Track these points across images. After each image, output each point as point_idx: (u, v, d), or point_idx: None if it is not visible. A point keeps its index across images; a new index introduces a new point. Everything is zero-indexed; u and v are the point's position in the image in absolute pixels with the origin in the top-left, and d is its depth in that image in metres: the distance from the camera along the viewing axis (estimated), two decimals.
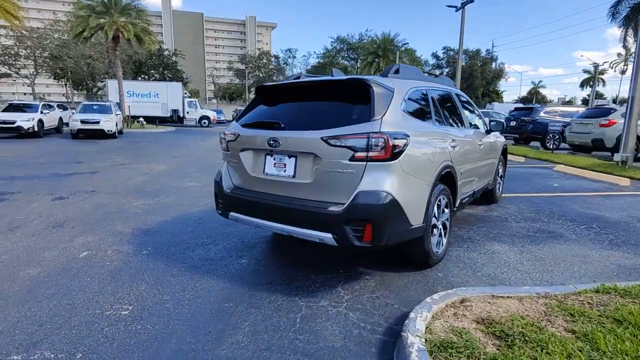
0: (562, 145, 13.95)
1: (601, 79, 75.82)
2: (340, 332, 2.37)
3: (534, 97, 75.78)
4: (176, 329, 2.40)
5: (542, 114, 14.22)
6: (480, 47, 64.15)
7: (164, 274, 3.21)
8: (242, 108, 34.58)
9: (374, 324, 2.47)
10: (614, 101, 63.69)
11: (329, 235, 2.64)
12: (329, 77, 3.24)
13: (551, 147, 13.85)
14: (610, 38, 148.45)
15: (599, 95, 78.67)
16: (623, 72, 70.52)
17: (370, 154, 2.56)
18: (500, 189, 5.95)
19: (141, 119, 24.72)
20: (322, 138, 2.67)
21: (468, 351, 1.91)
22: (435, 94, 3.71)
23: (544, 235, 4.30)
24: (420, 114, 3.23)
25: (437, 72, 59.04)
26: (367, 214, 2.54)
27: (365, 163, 2.58)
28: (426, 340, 2.03)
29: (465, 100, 4.69)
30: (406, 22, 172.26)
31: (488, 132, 4.95)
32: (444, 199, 3.31)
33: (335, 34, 75.29)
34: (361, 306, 2.70)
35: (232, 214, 3.26)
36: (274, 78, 55.05)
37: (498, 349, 1.95)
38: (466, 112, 4.45)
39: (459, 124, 4.07)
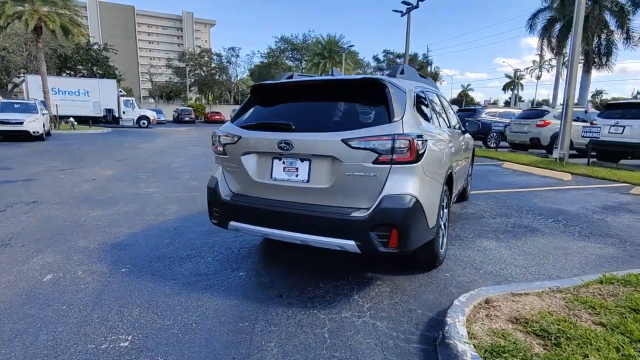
0: (502, 143, 15.13)
1: (520, 83, 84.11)
2: (376, 344, 2.25)
3: (463, 99, 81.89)
4: (195, 359, 2.11)
5: (483, 115, 15.31)
6: (417, 52, 67.60)
7: (156, 294, 2.85)
8: (184, 107, 33.10)
9: (406, 332, 2.38)
10: (532, 103, 70.92)
11: (352, 243, 2.51)
12: (341, 77, 3.10)
13: (493, 145, 14.96)
14: (524, 47, 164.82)
15: (518, 98, 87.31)
16: (538, 77, 78.72)
17: (395, 156, 2.47)
18: (469, 187, 6.23)
19: (71, 119, 22.40)
20: (342, 140, 2.53)
21: (521, 354, 1.90)
22: (430, 95, 3.74)
23: (521, 229, 4.54)
24: (424, 115, 3.21)
25: (379, 74, 61.28)
26: (394, 218, 2.45)
27: (389, 166, 2.48)
28: (475, 346, 1.98)
29: (448, 101, 4.81)
30: (347, 24, 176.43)
31: (464, 132, 5.13)
32: (445, 199, 3.34)
33: (279, 34, 74.76)
34: (385, 314, 2.60)
35: (232, 223, 2.98)
36: (217, 77, 53.10)
37: (546, 349, 1.96)
38: (451, 113, 4.57)
39: (449, 125, 4.15)
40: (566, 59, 34.15)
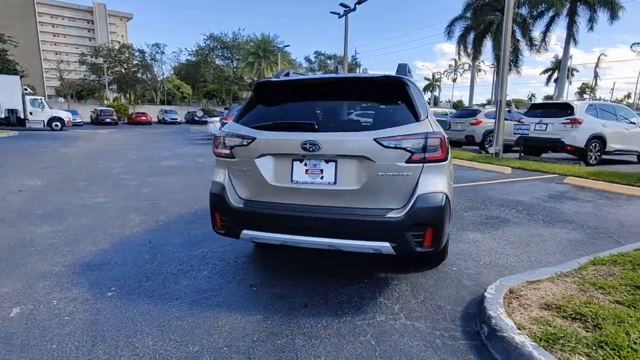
0: None
1: (438, 85, 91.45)
2: (425, 345, 2.22)
3: None
4: None
5: None
6: (348, 54, 69.61)
7: (165, 318, 2.50)
8: (104, 108, 30.34)
9: (447, 329, 2.39)
10: (449, 103, 77.36)
11: (387, 244, 2.45)
12: (359, 75, 3.01)
13: None
14: (438, 52, 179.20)
15: (437, 99, 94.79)
16: (454, 80, 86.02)
17: (427, 155, 2.46)
18: None
19: None
20: (375, 139, 2.45)
21: (573, 339, 2.00)
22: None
23: (495, 221, 4.88)
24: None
25: (311, 74, 61.93)
26: (429, 217, 2.44)
27: (422, 165, 2.47)
28: (529, 336, 2.05)
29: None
30: (275, 24, 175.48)
31: None
32: None
33: (206, 31, 71.55)
34: (418, 313, 2.58)
35: (245, 232, 2.73)
36: (140, 75, 49.18)
37: (589, 332, 2.10)
38: None
39: None
40: (477, 63, 37.62)
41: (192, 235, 4.20)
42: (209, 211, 2.97)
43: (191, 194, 6.32)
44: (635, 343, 1.94)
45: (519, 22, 30.18)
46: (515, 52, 30.25)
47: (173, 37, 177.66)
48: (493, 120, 11.62)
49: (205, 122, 35.91)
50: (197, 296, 2.82)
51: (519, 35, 30.14)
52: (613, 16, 28.06)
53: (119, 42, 56.08)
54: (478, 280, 3.08)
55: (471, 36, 33.03)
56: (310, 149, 2.53)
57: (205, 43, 49.64)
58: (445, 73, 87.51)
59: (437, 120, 5.29)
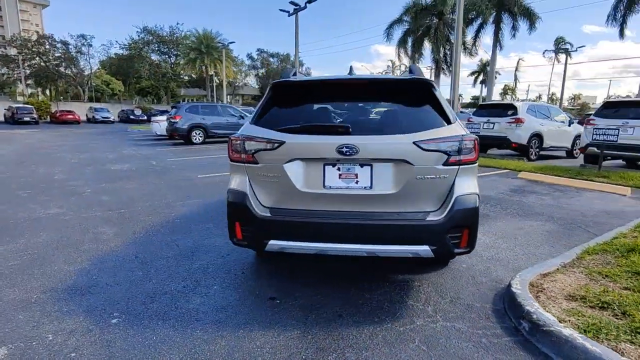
0: None
1: None
2: (475, 346, 2.25)
3: None
4: None
5: None
6: (289, 52, 69.36)
7: (193, 344, 2.25)
8: (21, 105, 27.39)
9: (486, 327, 2.44)
10: None
11: (426, 248, 2.43)
12: (386, 76, 2.93)
13: None
14: (374, 53, 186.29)
15: None
16: None
17: (462, 157, 2.48)
18: None
19: None
20: (414, 143, 2.42)
21: (614, 327, 2.15)
22: None
23: None
24: None
25: (254, 72, 60.81)
26: (467, 219, 2.47)
27: (458, 167, 2.49)
28: (574, 328, 2.16)
29: None
30: (220, 20, 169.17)
31: None
32: None
33: (140, 24, 66.63)
34: (453, 314, 2.61)
35: (273, 243, 2.55)
36: (63, 69, 44.43)
37: (620, 319, 2.26)
38: None
39: None
40: (417, 64, 39.83)
41: (182, 246, 3.86)
42: (228, 221, 2.73)
43: (160, 200, 5.83)
44: None
45: (453, 27, 32.35)
46: (451, 54, 32.31)
47: (101, 29, 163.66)
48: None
49: (145, 121, 33.54)
50: (219, 315, 2.58)
51: (453, 40, 32.25)
52: (531, 26, 31.05)
53: (38, 33, 50.24)
54: (490, 276, 3.20)
55: (411, 39, 34.55)
56: (347, 153, 2.43)
57: (139, 36, 46.33)
58: (384, 73, 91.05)
59: None
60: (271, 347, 2.23)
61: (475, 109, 12.71)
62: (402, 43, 36.00)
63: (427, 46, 32.98)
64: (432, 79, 33.53)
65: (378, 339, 2.31)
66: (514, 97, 67.39)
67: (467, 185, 2.53)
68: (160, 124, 18.15)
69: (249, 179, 2.66)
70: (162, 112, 31.88)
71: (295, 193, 2.56)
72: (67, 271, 3.25)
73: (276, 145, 2.54)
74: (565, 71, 51.64)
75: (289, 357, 2.14)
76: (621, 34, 28.32)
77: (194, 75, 49.37)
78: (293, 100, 2.83)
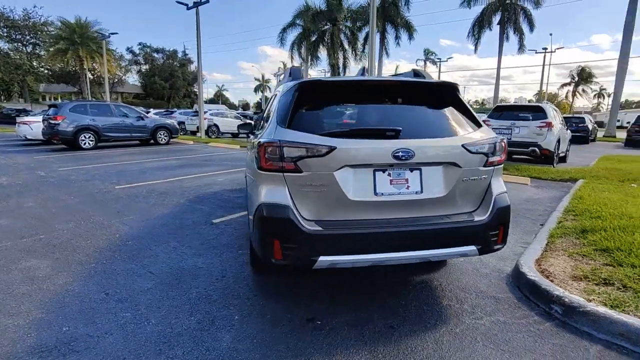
0: None
1: (268, 86, 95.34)
2: (529, 335, 2.38)
3: (219, 99, 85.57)
4: None
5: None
6: (176, 48, 64.84)
7: None
8: None
9: (524, 316, 2.61)
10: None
11: (473, 248, 2.48)
12: (415, 79, 2.84)
13: None
14: (261, 54, 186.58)
15: (267, 99, 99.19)
16: None
17: (496, 158, 2.60)
18: None
19: None
20: (462, 145, 2.44)
21: (630, 298, 2.51)
22: None
23: None
24: None
25: (136, 68, 54.88)
26: (505, 216, 2.59)
27: (493, 168, 2.60)
28: (604, 305, 2.46)
29: None
30: (86, 6, 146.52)
31: None
32: None
33: None
34: (489, 308, 2.72)
35: (323, 259, 2.29)
36: None
37: (626, 292, 2.65)
38: None
39: None
40: (307, 67, 40.72)
41: (159, 274, 3.23)
42: (261, 239, 2.37)
43: (87, 219, 4.79)
44: None
45: (346, 34, 34.35)
46: (345, 60, 34.26)
47: None
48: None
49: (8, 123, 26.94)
50: (264, 349, 2.22)
51: (347, 46, 34.24)
52: (410, 36, 34.78)
53: None
54: (489, 267, 3.44)
55: (305, 43, 35.42)
56: (403, 158, 2.33)
57: None
58: (276, 75, 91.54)
59: None
60: None
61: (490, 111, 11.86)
62: (298, 47, 36.87)
63: (323, 51, 34.25)
64: None
65: (446, 345, 2.27)
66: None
67: (500, 185, 2.67)
68: (31, 126, 15.03)
69: (287, 189, 2.34)
70: (22, 112, 26.43)
71: (345, 203, 2.35)
72: (16, 328, 2.41)
73: (326, 151, 2.28)
74: (439, 77, 59.47)
75: None
76: (475, 49, 33.92)
77: (57, 69, 42.06)
78: (322, 101, 2.60)
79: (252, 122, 5.37)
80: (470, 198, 2.57)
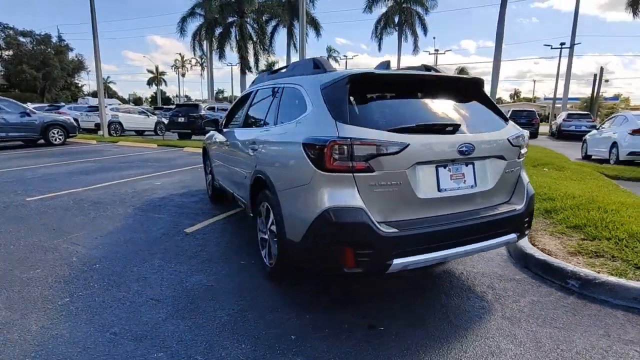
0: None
1: (163, 79, 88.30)
2: (564, 312, 2.60)
3: (106, 92, 76.45)
4: None
5: (207, 110, 15.55)
6: (50, 32, 55.64)
7: None
8: None
9: (550, 294, 2.85)
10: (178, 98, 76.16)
11: (514, 236, 2.63)
12: (451, 74, 2.80)
13: None
14: (151, 43, 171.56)
15: (163, 93, 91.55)
16: (184, 74, 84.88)
17: (525, 150, 2.78)
18: None
19: None
20: (507, 139, 2.54)
21: (627, 267, 2.93)
22: None
23: None
24: None
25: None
26: (533, 204, 2.79)
27: (521, 160, 2.77)
28: (612, 275, 2.83)
29: None
30: None
31: None
32: None
33: None
34: (518, 289, 2.91)
35: (397, 261, 2.17)
36: None
37: (617, 261, 3.09)
38: None
39: None
40: (204, 60, 38.61)
41: (163, 299, 2.72)
42: (330, 247, 2.14)
43: (4, 239, 3.80)
44: None
45: (255, 27, 33.44)
46: (256, 54, 33.41)
47: None
48: None
49: None
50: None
51: (256, 39, 33.40)
52: (318, 33, 35.57)
53: None
54: (491, 252, 3.68)
55: (208, 33, 33.49)
56: (466, 152, 2.33)
57: None
58: (173, 68, 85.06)
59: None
60: None
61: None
62: (204, 36, 34.89)
63: (230, 43, 32.73)
64: (239, 76, 33.72)
65: (509, 331, 2.36)
66: None
67: (526, 175, 2.87)
68: None
69: (357, 191, 2.15)
70: None
71: (412, 201, 2.26)
72: None
73: (399, 148, 2.16)
74: None
75: None
76: (379, 48, 36.33)
77: None
78: (376, 95, 2.45)
79: (219, 120, 4.88)
80: (509, 189, 2.71)
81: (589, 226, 3.78)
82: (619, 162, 9.63)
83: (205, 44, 35.29)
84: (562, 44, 32.69)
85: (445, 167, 2.39)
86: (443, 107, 2.61)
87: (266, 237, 3.03)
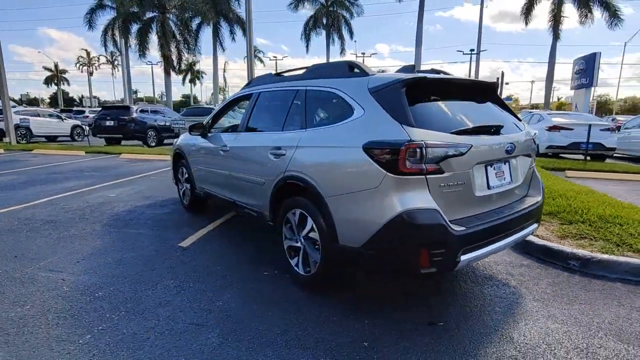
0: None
1: (65, 78, 78.94)
2: (580, 289, 2.96)
3: None
4: None
5: (139, 113, 14.25)
6: None
7: None
8: None
9: (559, 275, 3.21)
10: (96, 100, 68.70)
11: (536, 225, 2.91)
12: (477, 79, 2.92)
13: (153, 144, 14.49)
14: (43, 37, 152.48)
15: (66, 94, 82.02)
16: (91, 73, 76.42)
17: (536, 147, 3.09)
18: None
19: None
20: (532, 138, 2.79)
21: (614, 245, 3.41)
22: None
23: None
24: None
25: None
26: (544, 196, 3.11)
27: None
28: (603, 253, 3.27)
29: None
30: None
31: None
32: None
33: None
34: (532, 274, 3.21)
35: (464, 257, 2.28)
36: None
37: (606, 241, 3.56)
38: None
39: None
40: (114, 58, 35.40)
41: (212, 324, 2.49)
42: (404, 250, 2.18)
43: None
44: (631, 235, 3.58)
45: (178, 25, 31.46)
46: (180, 53, 31.51)
47: None
48: None
49: None
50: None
51: (179, 37, 31.51)
52: (244, 33, 34.95)
53: None
54: None
55: (121, 28, 30.76)
56: (510, 151, 2.52)
57: None
58: (78, 65, 76.30)
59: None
60: None
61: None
62: (111, 32, 32.20)
63: (151, 41, 30.34)
64: (164, 76, 31.52)
65: (544, 312, 2.61)
66: (225, 96, 73.22)
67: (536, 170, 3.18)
68: None
69: (429, 192, 2.20)
70: None
71: (470, 199, 2.39)
72: None
73: (465, 150, 2.26)
74: (253, 73, 61.23)
75: None
76: (307, 50, 36.80)
77: None
78: (425, 99, 2.50)
79: (204, 123, 4.55)
80: (529, 183, 2.99)
81: (562, 212, 4.32)
82: (539, 154, 11.09)
83: (120, 40, 32.41)
84: (471, 50, 36.39)
85: (491, 166, 2.55)
86: (481, 110, 2.79)
87: (298, 244, 2.93)
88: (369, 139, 2.30)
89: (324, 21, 34.23)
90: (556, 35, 25.68)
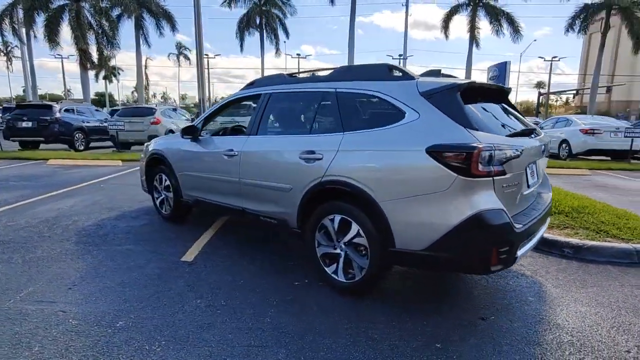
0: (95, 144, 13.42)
1: None
2: (580, 273, 3.32)
3: None
4: None
5: (64, 112, 12.55)
6: None
7: None
8: None
9: (558, 262, 3.56)
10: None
11: (549, 218, 3.20)
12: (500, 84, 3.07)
13: (81, 148, 12.95)
14: None
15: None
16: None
17: None
18: None
19: None
20: (549, 140, 3.05)
21: (603, 232, 3.87)
22: None
23: None
24: None
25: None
26: None
27: None
28: (590, 240, 3.71)
29: None
30: None
31: None
32: None
33: None
34: (541, 265, 3.52)
35: (519, 253, 2.42)
36: None
37: (598, 231, 4.02)
38: None
39: None
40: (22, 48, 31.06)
41: (271, 344, 2.30)
42: (477, 250, 2.27)
43: None
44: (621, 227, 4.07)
45: (94, 15, 28.39)
46: (100, 46, 28.55)
47: None
48: None
49: None
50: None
51: (97, 29, 28.55)
52: (173, 28, 33.12)
53: None
54: None
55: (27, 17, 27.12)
56: (544, 152, 2.73)
57: None
58: None
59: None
60: None
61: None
62: (9, 20, 28.53)
63: (66, 31, 26.89)
64: (79, 71, 28.44)
65: (570, 299, 2.89)
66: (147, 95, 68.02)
67: None
68: None
69: (494, 192, 2.29)
70: None
71: (519, 197, 2.54)
72: None
73: (520, 151, 2.39)
74: (204, 73, 58.19)
75: None
76: (241, 49, 35.86)
77: None
78: (473, 102, 2.58)
79: (195, 126, 4.18)
80: (543, 180, 3.27)
81: None
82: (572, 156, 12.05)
83: (21, 30, 28.50)
84: (400, 55, 38.62)
85: (529, 166, 2.75)
86: (511, 113, 2.98)
87: (337, 251, 2.86)
88: (433, 142, 2.31)
89: (257, 20, 33.62)
90: (475, 43, 29.00)
